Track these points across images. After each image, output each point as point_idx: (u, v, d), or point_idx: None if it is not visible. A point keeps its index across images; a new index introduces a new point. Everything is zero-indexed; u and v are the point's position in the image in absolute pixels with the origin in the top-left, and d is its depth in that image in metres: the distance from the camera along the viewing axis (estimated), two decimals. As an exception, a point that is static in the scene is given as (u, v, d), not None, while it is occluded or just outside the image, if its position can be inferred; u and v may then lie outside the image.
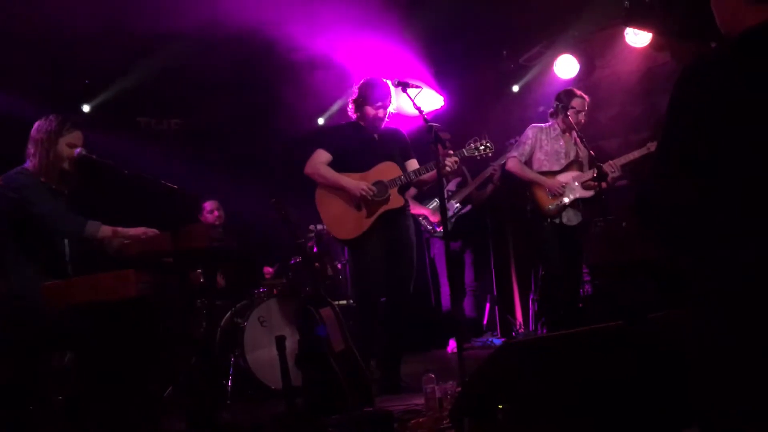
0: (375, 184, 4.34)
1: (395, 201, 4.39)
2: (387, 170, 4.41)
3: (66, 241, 3.50)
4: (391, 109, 4.49)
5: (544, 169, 5.20)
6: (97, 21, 5.31)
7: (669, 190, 1.74)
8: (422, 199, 6.13)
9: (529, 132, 5.28)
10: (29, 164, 3.45)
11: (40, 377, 3.42)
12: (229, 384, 4.76)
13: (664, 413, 2.57)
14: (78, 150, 3.45)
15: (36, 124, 3.49)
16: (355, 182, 4.34)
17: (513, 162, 5.25)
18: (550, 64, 6.63)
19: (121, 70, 6.22)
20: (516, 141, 5.72)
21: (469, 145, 4.43)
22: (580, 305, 5.47)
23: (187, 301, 4.37)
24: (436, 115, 6.62)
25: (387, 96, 4.45)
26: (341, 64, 6.04)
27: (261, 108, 7.13)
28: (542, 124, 5.33)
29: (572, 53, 6.48)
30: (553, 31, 6.56)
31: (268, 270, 5.94)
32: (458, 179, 6.35)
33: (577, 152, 5.25)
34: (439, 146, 3.87)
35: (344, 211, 4.37)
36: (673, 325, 2.96)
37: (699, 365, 1.70)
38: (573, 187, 5.10)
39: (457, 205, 6.21)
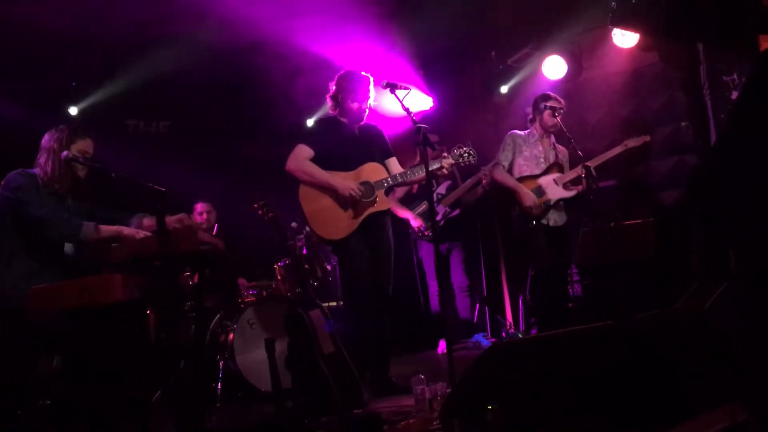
0: (362, 184, 4.30)
1: (382, 203, 4.37)
2: (373, 171, 4.39)
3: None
4: (370, 102, 4.45)
5: (525, 173, 5.29)
6: (85, 23, 5.28)
7: (728, 175, 1.74)
8: (411, 201, 6.12)
9: (508, 139, 5.40)
10: (38, 170, 3.49)
11: (26, 381, 3.40)
12: (219, 387, 4.74)
13: (653, 412, 2.58)
14: (65, 153, 3.46)
15: (46, 135, 3.55)
16: (343, 182, 4.28)
17: (497, 169, 5.36)
18: (539, 65, 6.64)
19: (108, 73, 6.19)
20: None
21: (454, 151, 4.46)
22: (570, 305, 5.50)
23: (175, 305, 4.35)
24: (425, 116, 6.64)
25: (366, 89, 4.40)
26: (330, 65, 6.03)
27: (249, 111, 7.12)
28: (521, 132, 5.43)
29: (560, 54, 6.49)
30: (541, 33, 6.57)
31: (243, 282, 5.74)
32: (448, 182, 6.34)
33: (556, 155, 5.37)
34: (428, 148, 3.87)
35: (330, 210, 4.29)
36: (661, 324, 2.98)
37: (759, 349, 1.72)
38: (554, 189, 5.17)
39: (447, 208, 6.22)
